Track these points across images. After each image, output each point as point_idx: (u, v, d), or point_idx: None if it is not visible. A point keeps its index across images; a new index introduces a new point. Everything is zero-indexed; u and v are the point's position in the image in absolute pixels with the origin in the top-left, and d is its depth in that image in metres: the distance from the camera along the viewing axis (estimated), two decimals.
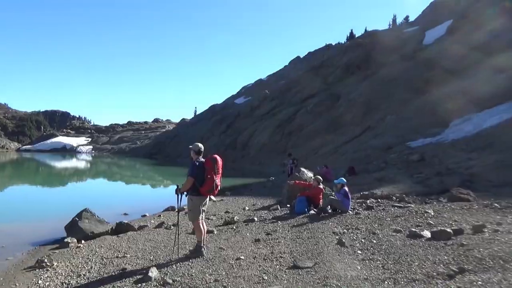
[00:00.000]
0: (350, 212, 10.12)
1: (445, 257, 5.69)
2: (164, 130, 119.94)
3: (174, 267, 6.34)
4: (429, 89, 35.65)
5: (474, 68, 32.16)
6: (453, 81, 33.30)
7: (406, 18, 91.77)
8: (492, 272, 5.00)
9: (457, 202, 9.61)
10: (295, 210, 10.85)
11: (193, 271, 6.00)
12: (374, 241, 7.05)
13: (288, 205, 12.21)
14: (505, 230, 6.67)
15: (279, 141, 51.10)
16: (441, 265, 5.43)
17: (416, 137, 26.57)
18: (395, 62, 48.42)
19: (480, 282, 4.61)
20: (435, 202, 10.64)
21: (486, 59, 31.53)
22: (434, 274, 5.09)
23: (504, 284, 4.45)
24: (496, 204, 8.72)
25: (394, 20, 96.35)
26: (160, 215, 13.76)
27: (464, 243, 6.17)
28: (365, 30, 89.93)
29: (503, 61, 28.32)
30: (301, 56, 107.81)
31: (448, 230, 6.82)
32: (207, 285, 5.34)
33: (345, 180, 10.73)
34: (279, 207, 12.52)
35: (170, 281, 5.56)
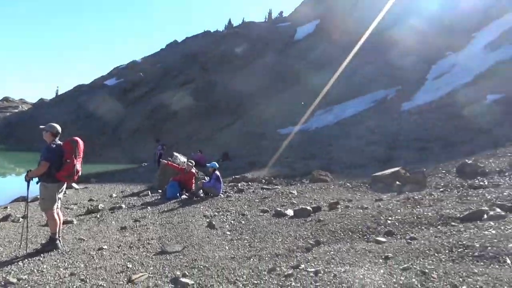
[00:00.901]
0: (222, 195, 10.22)
1: (305, 232, 6.12)
2: (16, 110, 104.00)
3: (21, 264, 5.42)
4: (298, 81, 38.56)
5: (334, 65, 35.87)
6: (319, 75, 36.64)
7: (281, 13, 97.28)
8: (342, 242, 5.55)
9: (317, 183, 10.57)
10: (167, 195, 10.49)
11: (45, 266, 5.22)
12: (243, 222, 7.21)
13: (160, 191, 11.75)
14: (354, 206, 7.52)
15: (153, 127, 49.21)
16: (301, 239, 5.81)
17: (285, 125, 28.52)
18: (269, 54, 50.98)
19: (332, 252, 5.05)
20: (298, 184, 11.49)
21: (346, 57, 35.50)
22: (295, 248, 5.41)
23: (352, 252, 4.96)
24: (348, 184, 9.84)
25: (270, 14, 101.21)
26: (7, 207, 11.79)
27: (321, 219, 6.74)
28: (243, 20, 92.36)
29: (360, 59, 32.25)
30: (179, 41, 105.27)
31: (308, 208, 7.39)
32: (61, 280, 4.69)
33: (217, 165, 10.78)
34: (149, 192, 11.96)
35: (14, 280, 4.71)
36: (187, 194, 10.46)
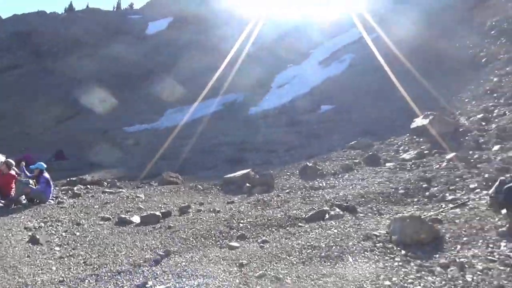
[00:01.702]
0: (52, 201, 8.64)
1: (153, 242, 5.50)
2: None
3: None
4: (150, 78, 36.87)
5: (185, 63, 35.61)
6: (170, 74, 35.75)
7: (131, 5, 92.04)
8: (195, 250, 5.14)
9: (167, 185, 9.95)
10: None
11: None
12: (78, 234, 6.12)
13: None
14: (206, 209, 7.23)
15: None
16: (149, 250, 5.18)
17: (132, 123, 26.78)
18: (117, 46, 47.42)
19: (184, 263, 4.59)
20: (146, 186, 10.66)
21: (196, 58, 35.59)
22: (141, 261, 4.75)
23: (205, 261, 4.60)
24: (199, 186, 9.54)
25: (119, 4, 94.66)
26: None
27: (171, 225, 6.21)
28: (87, 6, 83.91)
29: (212, 61, 32.64)
30: (3, 17, 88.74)
31: (157, 213, 6.76)
32: None
33: (44, 165, 9.06)
34: None
35: None
36: (2, 201, 8.43)
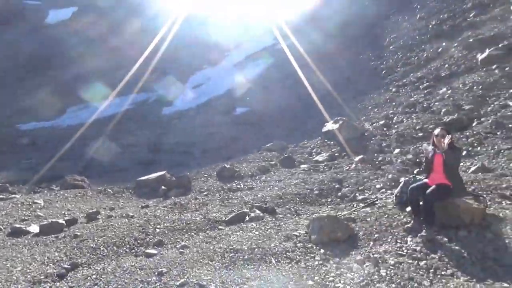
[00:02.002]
0: None
1: (56, 254, 4.89)
2: None
3: None
4: (51, 72, 33.42)
5: (89, 58, 33.08)
6: (75, 68, 32.87)
7: None
8: (106, 261, 4.69)
9: (71, 189, 8.99)
10: None
11: None
12: None
13: None
14: (117, 214, 6.70)
15: None
16: (51, 264, 4.58)
17: (28, 120, 23.99)
18: (10, 33, 42.18)
19: (94, 275, 4.15)
20: (46, 191, 9.53)
21: (104, 53, 33.31)
22: (42, 277, 4.18)
23: (119, 272, 4.21)
24: (109, 190, 8.83)
25: None
26: None
27: (78, 233, 5.60)
28: None
29: (121, 57, 30.84)
30: None
31: (61, 221, 6.07)
32: None
33: None
34: None
35: None
36: None
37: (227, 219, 5.93)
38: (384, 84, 16.24)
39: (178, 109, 23.75)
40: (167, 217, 6.32)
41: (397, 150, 8.96)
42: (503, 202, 4.98)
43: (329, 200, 6.86)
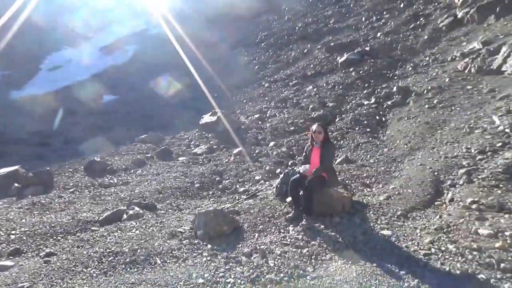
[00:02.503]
0: None
1: None
2: None
3: None
4: None
5: None
6: None
7: None
8: None
9: None
10: None
11: None
12: None
13: None
14: None
15: None
16: None
17: None
18: None
19: None
20: None
21: None
22: None
23: None
24: None
25: None
26: None
27: None
28: None
29: None
30: None
31: None
32: None
33: None
34: None
35: None
36: None
37: (100, 218, 5.35)
38: (257, 79, 16.95)
39: (30, 94, 20.59)
40: (24, 220, 5.39)
41: (272, 143, 9.43)
42: (365, 189, 5.65)
43: (211, 193, 6.81)
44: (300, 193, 4.87)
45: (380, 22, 16.23)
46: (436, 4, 15.06)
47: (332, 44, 16.18)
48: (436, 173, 5.52)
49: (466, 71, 9.44)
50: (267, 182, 7.02)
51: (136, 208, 5.49)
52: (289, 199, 5.25)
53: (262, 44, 20.65)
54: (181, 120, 13.12)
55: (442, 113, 7.91)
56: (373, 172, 6.25)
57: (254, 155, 8.70)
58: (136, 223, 5.03)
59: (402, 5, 16.48)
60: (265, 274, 3.61)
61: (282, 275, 3.58)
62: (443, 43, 12.13)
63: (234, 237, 4.54)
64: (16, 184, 7.07)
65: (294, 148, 8.91)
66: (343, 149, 8.25)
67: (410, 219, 4.55)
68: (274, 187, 5.74)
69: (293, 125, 10.50)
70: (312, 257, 3.91)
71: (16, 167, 7.52)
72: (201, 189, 6.90)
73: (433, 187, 5.20)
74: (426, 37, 13.03)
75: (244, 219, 4.97)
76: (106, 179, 7.67)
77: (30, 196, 6.62)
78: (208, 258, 4.01)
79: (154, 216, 5.39)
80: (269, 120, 11.46)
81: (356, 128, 9.19)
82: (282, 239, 4.33)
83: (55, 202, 6.25)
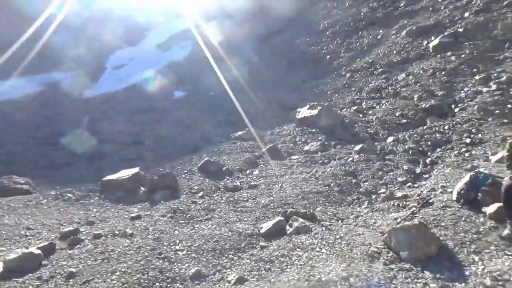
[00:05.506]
0: None
1: None
2: None
3: None
4: None
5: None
6: None
7: None
8: None
9: (14, 196, 6.65)
10: None
11: None
12: None
13: None
14: (106, 232, 4.98)
15: None
16: None
17: None
18: None
19: None
20: None
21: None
22: None
23: None
24: (69, 194, 6.63)
25: None
26: None
27: (73, 270, 3.94)
28: None
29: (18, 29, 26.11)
30: None
31: (35, 250, 4.25)
32: None
33: None
34: None
35: None
36: None
37: (262, 231, 4.75)
38: (333, 69, 16.00)
39: (102, 93, 20.81)
40: (176, 231, 4.90)
41: (391, 138, 8.56)
42: None
43: (355, 198, 6.07)
44: None
45: (463, 1, 14.65)
46: None
47: (414, 27, 14.88)
48: None
49: None
50: (415, 184, 6.21)
51: (300, 220, 4.83)
52: (486, 209, 4.42)
53: (327, 33, 19.55)
54: (269, 115, 12.44)
55: None
56: None
57: (378, 151, 7.87)
58: (311, 239, 4.39)
59: None
60: None
61: None
62: None
63: (446, 259, 3.79)
64: (142, 188, 6.69)
65: (422, 143, 7.99)
66: (486, 144, 7.21)
67: None
68: (456, 193, 4.89)
69: (403, 117, 9.55)
70: None
71: (136, 169, 7.17)
72: (341, 193, 6.19)
73: None
74: None
75: (441, 235, 4.18)
76: (228, 181, 7.13)
77: (162, 201, 6.18)
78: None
79: (323, 229, 4.73)
80: (370, 112, 10.56)
81: (490, 119, 8.10)
82: None
83: (192, 209, 5.76)
